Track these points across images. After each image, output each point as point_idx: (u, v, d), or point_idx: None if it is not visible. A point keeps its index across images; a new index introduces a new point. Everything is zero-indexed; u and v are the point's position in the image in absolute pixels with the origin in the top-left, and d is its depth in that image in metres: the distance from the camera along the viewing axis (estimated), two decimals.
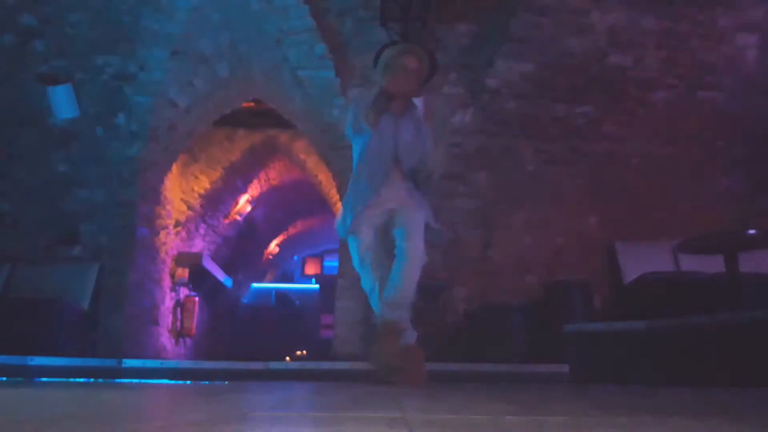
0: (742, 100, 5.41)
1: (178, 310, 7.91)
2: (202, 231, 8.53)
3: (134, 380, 3.88)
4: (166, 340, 7.33)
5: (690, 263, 4.77)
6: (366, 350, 2.69)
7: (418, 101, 2.99)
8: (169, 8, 5.11)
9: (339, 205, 6.70)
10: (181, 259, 7.62)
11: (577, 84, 5.34)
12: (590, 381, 3.40)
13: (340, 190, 6.04)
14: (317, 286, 16.17)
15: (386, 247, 2.91)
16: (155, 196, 6.43)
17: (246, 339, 12.48)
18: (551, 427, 1.05)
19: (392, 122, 2.90)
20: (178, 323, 7.90)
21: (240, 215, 9.46)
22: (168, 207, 7.07)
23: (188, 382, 3.73)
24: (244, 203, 9.37)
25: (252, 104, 7.37)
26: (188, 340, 8.33)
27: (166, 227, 6.98)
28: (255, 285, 14.86)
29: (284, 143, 8.23)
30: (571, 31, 5.02)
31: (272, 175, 9.49)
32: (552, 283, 5.02)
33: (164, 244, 6.99)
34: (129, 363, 4.31)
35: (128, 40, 5.32)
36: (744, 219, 5.09)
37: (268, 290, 16.16)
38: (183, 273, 7.59)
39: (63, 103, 5.30)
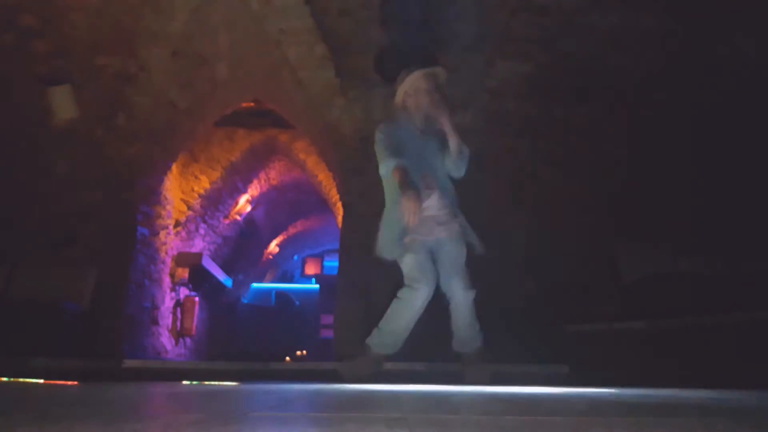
0: (742, 100, 5.40)
1: (178, 310, 7.91)
2: (202, 231, 8.53)
3: (134, 380, 3.88)
4: (166, 340, 7.33)
5: (690, 263, 4.77)
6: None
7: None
8: (169, 8, 5.10)
9: (339, 205, 6.70)
10: (181, 259, 7.62)
11: (577, 84, 5.34)
12: (590, 381, 3.40)
13: (340, 190, 6.03)
14: (317, 286, 16.18)
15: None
16: (155, 196, 6.43)
17: (246, 339, 12.48)
18: (551, 427, 1.05)
19: (419, 144, 2.93)
20: (178, 323, 7.90)
21: (240, 215, 9.46)
22: (168, 207, 7.06)
23: (188, 382, 3.73)
24: (244, 203, 9.37)
25: (252, 104, 7.37)
26: (188, 340, 8.33)
27: (166, 227, 6.98)
28: (255, 285, 14.87)
29: (284, 143, 8.23)
30: (571, 31, 5.02)
31: (272, 175, 9.49)
32: (552, 284, 5.02)
33: (164, 244, 6.99)
34: (129, 363, 4.30)
35: (128, 41, 5.32)
36: (743, 218, 5.09)
37: (268, 290, 16.17)
38: (183, 273, 7.60)
39: (63, 103, 5.30)
